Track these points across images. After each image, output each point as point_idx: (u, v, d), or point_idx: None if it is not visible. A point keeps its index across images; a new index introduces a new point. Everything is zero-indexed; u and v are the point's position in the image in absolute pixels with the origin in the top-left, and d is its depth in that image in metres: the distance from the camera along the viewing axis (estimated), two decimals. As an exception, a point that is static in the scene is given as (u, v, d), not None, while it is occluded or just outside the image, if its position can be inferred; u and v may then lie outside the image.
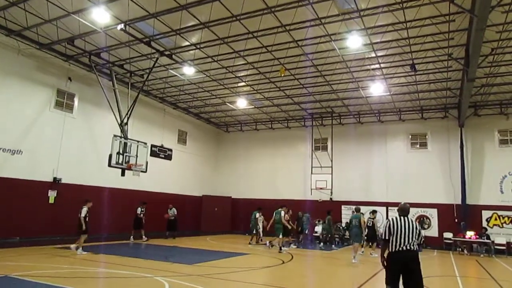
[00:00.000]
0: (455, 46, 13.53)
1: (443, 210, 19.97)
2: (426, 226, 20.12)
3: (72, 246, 12.44)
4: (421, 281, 5.54)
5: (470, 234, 17.97)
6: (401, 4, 11.13)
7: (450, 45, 13.42)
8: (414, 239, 5.65)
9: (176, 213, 19.08)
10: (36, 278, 8.23)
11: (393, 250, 5.67)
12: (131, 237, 17.13)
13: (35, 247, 13.01)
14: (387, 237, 5.81)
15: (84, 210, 12.57)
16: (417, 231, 5.77)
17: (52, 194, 15.44)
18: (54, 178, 15.54)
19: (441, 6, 11.03)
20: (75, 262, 10.86)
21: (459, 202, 19.50)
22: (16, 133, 14.33)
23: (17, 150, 14.30)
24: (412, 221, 5.86)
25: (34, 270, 9.08)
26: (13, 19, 12.99)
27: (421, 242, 6.03)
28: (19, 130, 14.49)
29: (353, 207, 21.07)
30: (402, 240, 5.62)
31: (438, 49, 13.91)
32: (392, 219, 5.90)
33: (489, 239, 17.50)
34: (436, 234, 19.94)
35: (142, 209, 17.55)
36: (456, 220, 19.48)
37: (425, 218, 20.39)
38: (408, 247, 5.58)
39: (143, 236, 17.11)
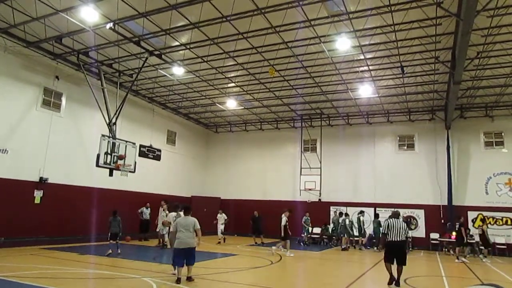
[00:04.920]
0: (442, 50, 13.78)
1: (430, 211, 20.25)
2: (413, 227, 20.33)
3: (273, 248, 14.88)
4: (405, 259, 8.77)
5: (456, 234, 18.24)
6: (389, 7, 11.27)
7: (437, 48, 13.66)
8: (402, 234, 8.85)
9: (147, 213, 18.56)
10: (22, 279, 8.12)
11: (389, 240, 8.88)
12: (257, 242, 16.55)
13: (21, 248, 12.80)
14: (385, 232, 8.99)
15: (284, 219, 15.07)
16: (405, 229, 9.01)
17: (38, 194, 15.20)
18: (41, 178, 15.29)
19: (429, 10, 11.22)
20: (61, 263, 10.71)
21: (446, 203, 19.81)
22: (1, 132, 14.07)
23: (3, 149, 14.02)
24: (402, 222, 9.04)
25: (19, 270, 8.94)
26: (0, 17, 12.77)
27: (407, 236, 9.41)
28: (5, 129, 14.23)
29: (342, 208, 21.53)
30: (395, 235, 8.83)
31: (426, 52, 14.14)
32: (389, 221, 9.06)
33: (473, 239, 17.76)
34: (423, 235, 20.20)
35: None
36: (442, 221, 19.77)
37: (412, 219, 20.62)
38: (398, 239, 8.81)
39: (262, 241, 16.58)
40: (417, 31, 12.61)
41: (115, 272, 9.65)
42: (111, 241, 12.99)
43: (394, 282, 8.75)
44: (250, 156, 26.12)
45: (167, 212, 16.65)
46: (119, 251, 12.93)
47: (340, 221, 18.75)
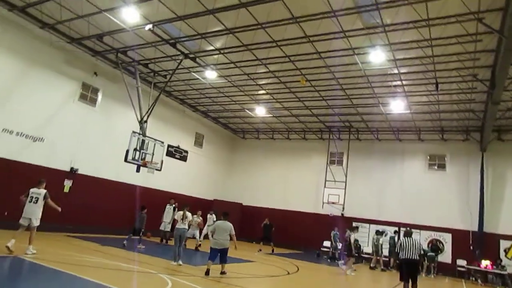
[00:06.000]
0: (481, 67, 13.27)
1: (458, 235, 19.36)
2: (439, 251, 19.43)
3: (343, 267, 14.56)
4: (417, 276, 9.26)
5: (485, 263, 17.34)
6: (427, 21, 11.04)
7: (475, 66, 13.20)
8: (415, 252, 9.15)
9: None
10: (44, 262, 8.44)
11: (402, 258, 9.20)
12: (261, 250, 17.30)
13: (46, 233, 13.19)
14: (398, 251, 9.36)
15: (353, 237, 14.86)
16: (418, 247, 9.27)
17: (67, 184, 15.76)
18: (71, 168, 15.87)
19: (469, 25, 10.89)
20: (83, 251, 11.04)
21: (476, 229, 18.83)
22: (39, 121, 14.76)
23: (39, 138, 14.70)
24: (415, 240, 9.29)
25: (43, 254, 9.28)
26: (49, 13, 13.49)
27: (421, 253, 9.62)
28: (43, 118, 14.92)
29: (364, 225, 21.02)
30: (408, 253, 9.15)
31: (463, 69, 13.67)
32: (402, 240, 9.47)
33: (505, 270, 16.79)
34: (449, 260, 19.31)
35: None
36: (471, 248, 18.83)
37: (438, 242, 19.78)
38: (411, 257, 9.12)
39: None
40: (455, 47, 12.24)
41: (133, 265, 9.83)
42: (131, 234, 13.43)
43: None
44: (275, 164, 26.05)
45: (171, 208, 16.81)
46: (139, 246, 13.28)
47: (375, 239, 18.16)
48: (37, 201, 9.47)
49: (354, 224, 19.53)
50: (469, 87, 15.04)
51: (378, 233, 18.53)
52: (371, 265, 17.62)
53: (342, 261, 15.76)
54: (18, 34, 13.96)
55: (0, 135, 13.42)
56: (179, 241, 11.02)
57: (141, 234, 13.95)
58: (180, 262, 10.61)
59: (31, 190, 9.63)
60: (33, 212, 9.41)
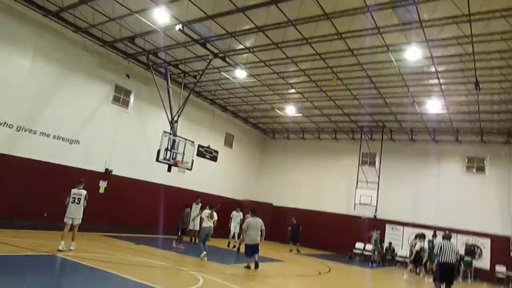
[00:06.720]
0: (526, 65, 12.50)
1: (497, 241, 18.36)
2: (476, 256, 18.53)
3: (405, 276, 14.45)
4: (453, 279, 9.58)
5: (527, 271, 16.38)
6: (468, 17, 10.46)
7: (520, 64, 12.43)
8: (454, 256, 9.35)
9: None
10: (80, 259, 8.65)
11: (442, 261, 9.40)
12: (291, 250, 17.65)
13: (83, 233, 13.57)
14: (438, 253, 9.46)
15: (418, 245, 14.80)
16: (456, 251, 9.54)
17: (102, 185, 16.14)
18: (106, 170, 16.24)
19: (514, 20, 10.25)
20: (118, 250, 11.27)
21: (517, 235, 17.87)
22: (75, 124, 15.18)
23: (75, 140, 15.11)
24: (453, 244, 9.56)
25: (79, 252, 9.53)
26: (81, 17, 13.82)
27: (458, 258, 10.12)
28: (79, 121, 15.34)
29: (398, 227, 20.26)
30: (447, 256, 9.33)
31: (506, 68, 12.89)
32: (441, 242, 9.61)
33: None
34: (487, 267, 18.37)
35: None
36: (511, 254, 17.84)
37: (475, 247, 18.86)
38: (450, 261, 9.33)
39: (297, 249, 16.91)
40: (498, 44, 11.53)
41: (165, 263, 9.93)
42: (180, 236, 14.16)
43: None
44: (305, 164, 25.72)
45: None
46: (174, 245, 13.60)
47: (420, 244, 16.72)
48: (79, 201, 10.06)
49: (419, 231, 18.20)
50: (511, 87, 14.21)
51: (422, 236, 16.34)
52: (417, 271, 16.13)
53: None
54: (54, 39, 14.33)
55: (38, 138, 13.90)
56: (206, 239, 11.51)
57: (179, 234, 14.20)
58: (205, 258, 10.98)
59: (73, 190, 10.13)
60: (76, 212, 10.00)
